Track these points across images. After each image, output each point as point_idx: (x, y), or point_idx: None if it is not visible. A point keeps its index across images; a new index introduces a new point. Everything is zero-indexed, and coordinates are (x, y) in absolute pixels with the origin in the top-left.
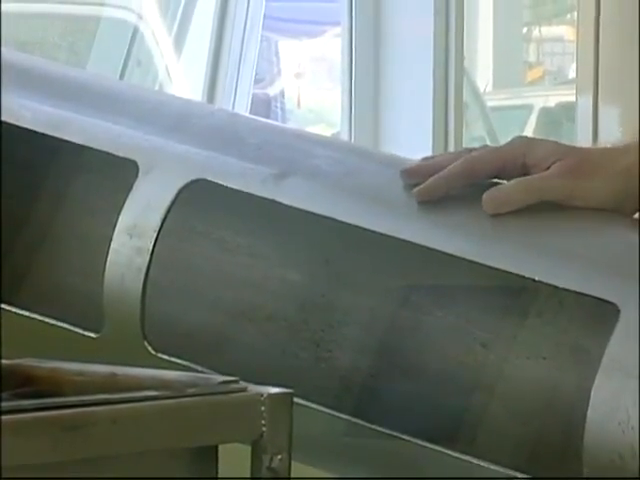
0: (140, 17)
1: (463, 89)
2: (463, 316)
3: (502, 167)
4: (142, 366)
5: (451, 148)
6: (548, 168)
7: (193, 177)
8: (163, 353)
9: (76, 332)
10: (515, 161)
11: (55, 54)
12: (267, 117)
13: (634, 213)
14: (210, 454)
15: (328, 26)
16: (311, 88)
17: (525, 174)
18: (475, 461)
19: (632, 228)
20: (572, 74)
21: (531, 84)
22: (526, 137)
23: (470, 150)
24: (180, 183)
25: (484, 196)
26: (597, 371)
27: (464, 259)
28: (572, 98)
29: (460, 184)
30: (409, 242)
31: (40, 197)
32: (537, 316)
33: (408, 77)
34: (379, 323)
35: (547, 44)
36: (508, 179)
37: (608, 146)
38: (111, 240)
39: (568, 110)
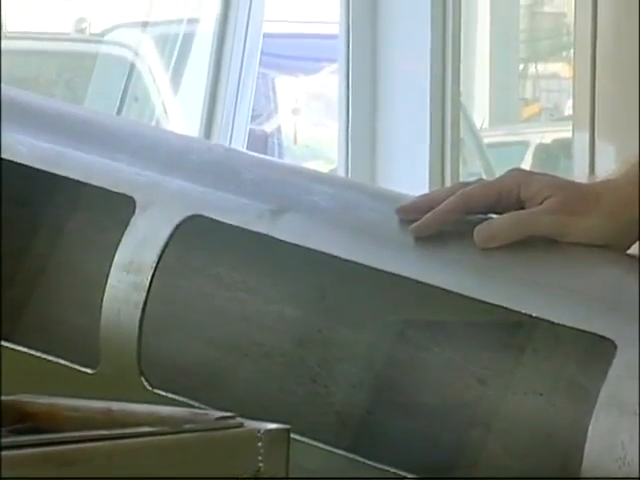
0: (137, 54)
1: (460, 125)
2: (460, 352)
3: (497, 200)
4: (139, 402)
5: (448, 184)
6: (542, 202)
7: (190, 213)
8: (160, 389)
9: (73, 368)
10: (510, 194)
11: (52, 90)
12: (264, 153)
13: (627, 248)
14: None
15: (325, 63)
16: (308, 124)
17: (521, 207)
18: None
19: (627, 264)
20: (568, 111)
21: (528, 121)
22: (522, 170)
23: (465, 184)
24: (177, 219)
25: (475, 230)
26: (594, 407)
27: (461, 295)
28: (569, 134)
29: (456, 218)
30: (406, 278)
31: (37, 233)
32: (534, 352)
33: (405, 114)
34: (376, 359)
35: (543, 81)
36: (504, 212)
37: (602, 179)
38: (108, 276)
39: (565, 146)
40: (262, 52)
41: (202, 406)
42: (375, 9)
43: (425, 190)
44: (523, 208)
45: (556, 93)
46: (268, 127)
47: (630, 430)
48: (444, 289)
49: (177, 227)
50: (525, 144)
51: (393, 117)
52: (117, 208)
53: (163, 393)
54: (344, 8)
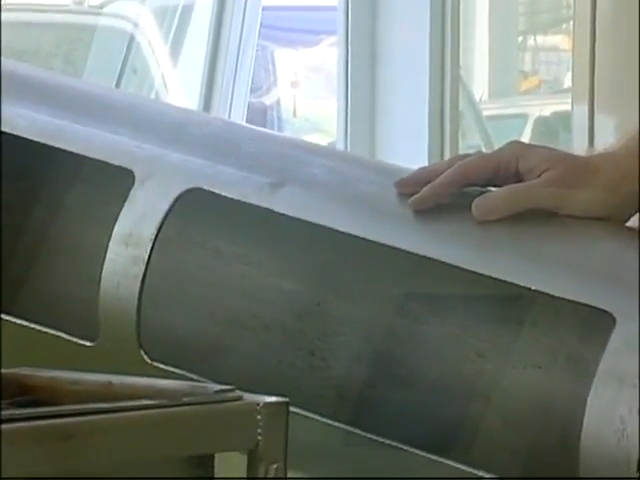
0: (136, 26)
1: (459, 98)
2: (459, 325)
3: (496, 172)
4: (138, 375)
5: (447, 157)
6: (540, 175)
7: (189, 186)
8: (159, 362)
9: (72, 341)
10: (509, 166)
11: (51, 63)
12: (263, 126)
13: (626, 221)
14: (206, 463)
15: (324, 35)
16: (307, 97)
17: (519, 180)
18: (471, 470)
19: (626, 237)
20: (568, 83)
21: (527, 93)
22: (520, 142)
23: (464, 156)
24: (176, 192)
25: (473, 203)
26: (593, 380)
27: (460, 268)
28: (568, 107)
29: (454, 191)
30: (405, 251)
31: (36, 206)
32: (533, 325)
33: (404, 86)
34: (375, 332)
35: (542, 53)
36: (502, 185)
37: (601, 152)
38: (107, 249)
39: (564, 119)
40: (261, 24)
41: (201, 379)
42: None
43: (424, 163)
44: (522, 181)
45: (555, 65)
46: (267, 100)
47: (629, 403)
48: (443, 262)
49: (176, 200)
50: (524, 117)
51: (392, 90)
52: (116, 181)
53: (162, 366)
54: None
